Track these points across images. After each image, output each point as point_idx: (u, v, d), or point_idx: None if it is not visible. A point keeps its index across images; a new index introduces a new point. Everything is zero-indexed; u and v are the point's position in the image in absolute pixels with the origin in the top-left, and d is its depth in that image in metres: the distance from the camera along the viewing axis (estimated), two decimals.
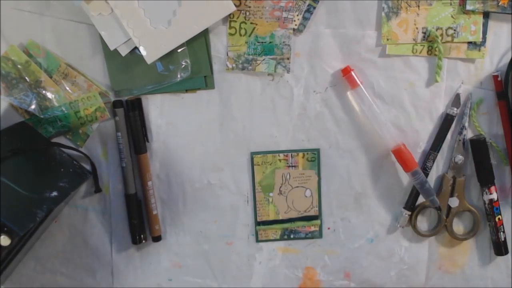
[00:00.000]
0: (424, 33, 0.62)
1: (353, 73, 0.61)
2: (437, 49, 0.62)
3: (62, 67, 0.61)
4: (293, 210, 0.66)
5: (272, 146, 0.64)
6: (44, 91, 0.61)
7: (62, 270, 0.67)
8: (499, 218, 0.65)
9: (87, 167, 0.64)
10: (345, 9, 0.61)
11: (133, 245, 0.66)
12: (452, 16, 0.61)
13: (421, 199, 0.65)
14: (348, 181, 0.65)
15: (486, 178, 0.64)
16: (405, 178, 0.65)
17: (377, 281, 0.68)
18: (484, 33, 0.62)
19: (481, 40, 0.62)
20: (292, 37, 0.62)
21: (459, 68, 0.63)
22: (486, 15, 0.62)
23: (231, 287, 0.67)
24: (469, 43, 0.62)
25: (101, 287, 0.67)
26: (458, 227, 0.67)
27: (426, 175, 0.64)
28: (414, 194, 0.65)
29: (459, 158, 0.64)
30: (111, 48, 0.60)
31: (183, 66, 0.61)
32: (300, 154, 0.64)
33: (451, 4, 0.61)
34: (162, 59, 0.61)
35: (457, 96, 0.63)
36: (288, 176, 0.65)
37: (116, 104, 0.62)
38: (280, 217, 0.66)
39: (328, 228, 0.66)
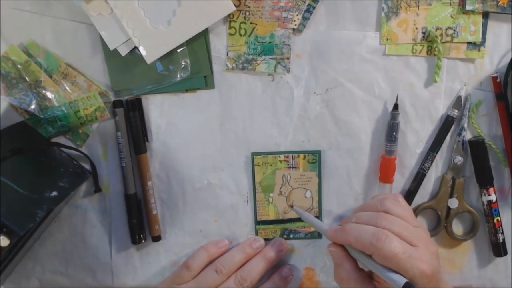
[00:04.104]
0: (424, 33, 0.62)
1: None
2: (436, 49, 0.62)
3: (62, 67, 0.61)
4: (293, 211, 0.66)
5: (272, 146, 0.64)
6: (44, 91, 0.61)
7: (62, 270, 0.67)
8: (497, 220, 0.65)
9: (87, 167, 0.64)
10: (345, 9, 0.61)
11: (133, 245, 0.66)
12: (451, 16, 0.62)
13: (420, 200, 0.66)
14: (348, 181, 0.65)
15: (484, 180, 0.64)
16: (404, 179, 0.65)
17: None
18: (484, 33, 0.62)
19: (480, 40, 0.62)
20: (292, 37, 0.62)
21: (459, 68, 0.63)
22: (486, 15, 0.62)
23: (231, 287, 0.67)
24: (469, 43, 0.62)
25: (101, 287, 0.67)
26: (458, 228, 0.67)
27: (424, 175, 0.64)
28: (413, 194, 0.65)
29: (458, 159, 0.64)
30: (111, 48, 0.60)
31: (183, 66, 0.61)
32: (301, 155, 0.64)
33: (450, 4, 0.61)
34: (162, 59, 0.61)
35: (459, 98, 0.63)
36: (288, 177, 0.65)
37: (116, 104, 0.62)
38: (280, 217, 0.66)
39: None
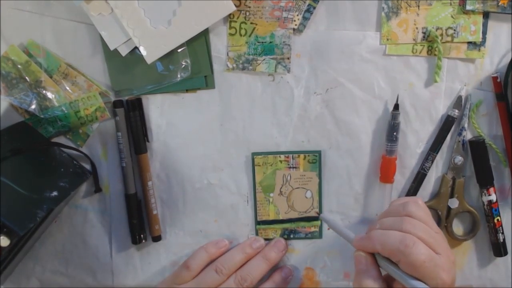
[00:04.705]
0: (424, 33, 0.62)
1: None
2: (436, 49, 0.62)
3: (62, 67, 0.61)
4: (293, 211, 0.66)
5: (272, 146, 0.64)
6: (44, 91, 0.61)
7: (62, 270, 0.67)
8: (498, 219, 0.65)
9: (87, 167, 0.64)
10: (345, 9, 0.61)
11: (133, 245, 0.66)
12: (452, 16, 0.62)
13: None
14: (348, 181, 0.65)
15: (485, 180, 0.64)
16: (405, 179, 0.65)
17: None
18: (484, 33, 0.62)
19: (481, 40, 0.62)
20: (292, 37, 0.62)
21: (459, 68, 0.63)
22: (486, 15, 0.62)
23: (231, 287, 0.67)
24: (469, 43, 0.62)
25: (101, 287, 0.67)
26: (458, 228, 0.67)
27: (424, 175, 0.64)
28: (413, 194, 0.65)
29: (459, 159, 0.64)
30: (111, 48, 0.60)
31: (183, 66, 0.61)
32: (301, 155, 0.64)
33: (451, 4, 0.61)
34: (162, 59, 0.61)
35: (459, 98, 0.63)
36: (288, 177, 0.65)
37: (116, 104, 0.62)
38: (280, 217, 0.66)
39: (328, 229, 0.66)
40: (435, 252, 0.52)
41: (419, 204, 0.56)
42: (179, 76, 0.61)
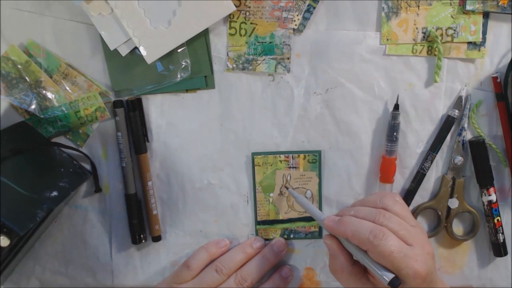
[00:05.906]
0: (424, 33, 0.62)
1: None
2: (436, 49, 0.62)
3: (62, 67, 0.61)
4: (293, 211, 0.66)
5: (272, 146, 0.64)
6: (44, 91, 0.61)
7: (62, 270, 0.67)
8: (498, 220, 0.65)
9: (87, 167, 0.64)
10: (345, 9, 0.61)
11: (133, 245, 0.66)
12: (452, 16, 0.62)
13: (420, 200, 0.66)
14: (348, 181, 0.65)
15: (485, 180, 0.64)
16: (404, 179, 0.65)
17: None
18: (484, 33, 0.62)
19: (481, 40, 0.62)
20: (292, 37, 0.62)
21: (459, 68, 0.63)
22: (486, 15, 0.62)
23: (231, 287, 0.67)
24: (469, 43, 0.62)
25: (101, 287, 0.67)
26: (458, 228, 0.67)
27: (424, 175, 0.64)
28: (413, 194, 0.65)
29: (459, 159, 0.64)
30: (111, 48, 0.60)
31: (183, 66, 0.61)
32: (301, 155, 0.64)
33: (451, 4, 0.61)
34: (162, 59, 0.61)
35: (459, 99, 0.63)
36: (288, 177, 0.65)
37: (116, 104, 0.62)
38: (280, 217, 0.66)
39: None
40: (407, 244, 0.52)
41: (396, 200, 0.57)
42: (179, 76, 0.61)
